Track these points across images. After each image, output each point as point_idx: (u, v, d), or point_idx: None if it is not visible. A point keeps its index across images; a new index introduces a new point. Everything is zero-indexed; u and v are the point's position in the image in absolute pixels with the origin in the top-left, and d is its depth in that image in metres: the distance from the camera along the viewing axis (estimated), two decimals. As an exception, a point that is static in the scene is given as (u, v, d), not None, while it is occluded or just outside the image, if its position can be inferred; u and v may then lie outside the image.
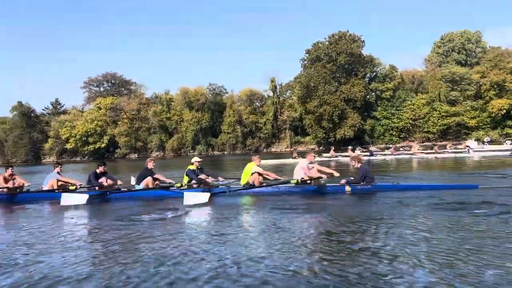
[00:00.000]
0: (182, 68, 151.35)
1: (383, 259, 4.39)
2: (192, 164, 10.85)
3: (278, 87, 70.66)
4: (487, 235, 5.16)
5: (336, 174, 10.38)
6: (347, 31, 63.70)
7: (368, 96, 64.37)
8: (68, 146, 75.04)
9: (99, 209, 9.49)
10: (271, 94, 75.27)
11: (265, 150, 69.33)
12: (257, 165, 10.68)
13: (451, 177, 13.46)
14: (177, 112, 75.04)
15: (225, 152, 72.14)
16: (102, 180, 10.97)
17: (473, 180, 10.86)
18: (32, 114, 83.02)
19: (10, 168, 11.70)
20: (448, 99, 64.23)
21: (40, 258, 5.13)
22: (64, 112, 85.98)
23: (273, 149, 70.17)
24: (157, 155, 75.37)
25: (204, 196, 9.04)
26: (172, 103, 77.44)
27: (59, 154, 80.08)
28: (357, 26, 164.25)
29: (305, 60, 66.55)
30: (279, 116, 69.75)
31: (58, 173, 11.57)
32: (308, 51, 65.40)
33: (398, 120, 64.34)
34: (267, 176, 10.58)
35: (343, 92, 61.46)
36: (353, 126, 61.29)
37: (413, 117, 63.95)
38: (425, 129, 64.27)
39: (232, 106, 71.42)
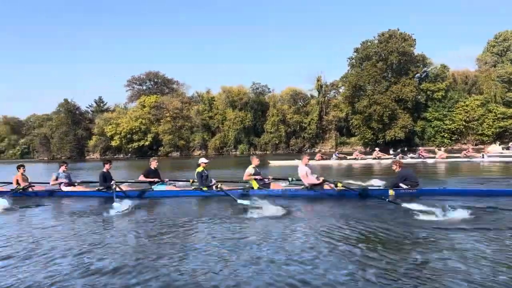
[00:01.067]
0: (222, 67, 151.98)
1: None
2: (199, 165, 10.74)
3: (323, 86, 69.06)
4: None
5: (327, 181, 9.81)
6: (398, 29, 61.87)
7: (418, 97, 62.22)
8: (113, 143, 76.27)
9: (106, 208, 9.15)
10: (314, 93, 74.37)
11: (308, 151, 68.21)
12: (254, 166, 10.47)
13: (492, 182, 12.28)
14: (219, 111, 75.02)
15: (267, 152, 71.48)
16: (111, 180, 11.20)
17: None
18: (77, 112, 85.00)
19: (22, 168, 12.23)
20: (504, 100, 61.33)
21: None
22: (107, 110, 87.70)
23: (317, 150, 68.92)
24: (199, 153, 75.61)
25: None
26: (213, 102, 77.58)
27: (103, 151, 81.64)
28: (395, 25, 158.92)
29: (352, 59, 65.07)
30: (324, 116, 68.42)
31: (63, 172, 11.99)
32: (356, 50, 63.92)
33: (450, 122, 61.84)
34: (255, 177, 10.36)
35: (394, 92, 59.64)
36: (404, 127, 59.35)
37: (467, 119, 61.30)
38: (479, 132, 61.53)
39: (276, 105, 70.71)
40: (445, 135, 62.27)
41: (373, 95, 59.29)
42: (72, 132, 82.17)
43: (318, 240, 5.66)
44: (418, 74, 64.42)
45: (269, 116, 70.97)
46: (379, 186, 10.11)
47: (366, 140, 63.28)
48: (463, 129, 61.83)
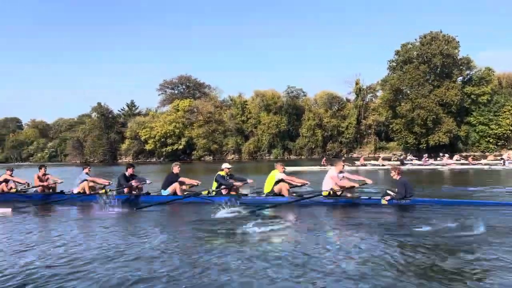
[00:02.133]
0: (254, 71, 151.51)
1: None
2: (222, 170, 10.64)
3: (362, 90, 67.75)
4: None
5: (369, 181, 9.42)
6: (440, 31, 60.35)
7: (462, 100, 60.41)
8: (147, 147, 76.29)
9: (128, 215, 9.25)
10: (349, 97, 73.26)
11: (345, 156, 66.90)
12: (281, 172, 10.11)
13: (489, 192, 11.94)
14: (253, 115, 74.38)
15: (302, 157, 70.43)
16: (131, 182, 10.98)
17: None
18: (110, 115, 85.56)
19: (43, 168, 12.11)
20: (554, 104, 59.07)
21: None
22: (139, 114, 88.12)
23: (354, 155, 67.56)
24: (232, 158, 75.10)
25: (235, 211, 8.49)
26: (246, 106, 77.06)
27: (136, 155, 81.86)
28: (428, 26, 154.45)
29: (392, 62, 63.69)
30: (362, 120, 67.05)
31: (86, 173, 11.62)
32: (397, 52, 62.52)
33: (497, 127, 59.75)
34: (292, 182, 10.19)
35: (437, 95, 58.01)
36: (448, 132, 57.58)
37: (515, 124, 59.18)
38: (528, 137, 59.31)
39: (312, 109, 69.71)
40: (491, 140, 60.23)
41: (416, 98, 57.76)
42: (105, 135, 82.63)
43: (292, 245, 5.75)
44: (461, 77, 62.70)
45: (305, 120, 69.99)
46: (376, 193, 9.90)
47: (407, 145, 61.63)
48: (510, 134, 59.67)
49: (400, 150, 63.92)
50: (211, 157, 77.52)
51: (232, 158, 75.02)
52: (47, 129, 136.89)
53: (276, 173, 10.05)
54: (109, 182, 11.74)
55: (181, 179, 10.86)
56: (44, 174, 12.04)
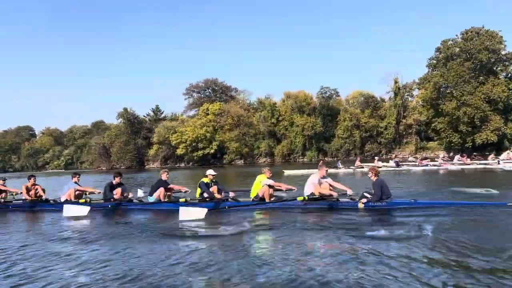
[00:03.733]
0: (282, 73, 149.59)
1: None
2: (206, 176, 10.64)
3: (401, 88, 66.07)
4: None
5: (350, 192, 9.40)
6: (483, 27, 58.81)
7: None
8: (178, 152, 74.60)
9: (108, 221, 9.56)
10: (384, 96, 71.72)
11: (384, 157, 65.21)
12: (268, 177, 10.24)
13: (478, 193, 11.78)
14: (286, 117, 72.80)
15: (338, 159, 68.71)
16: (117, 191, 11.03)
17: (502, 196, 9.91)
18: (136, 121, 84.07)
19: (33, 178, 12.28)
20: None
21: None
22: (164, 119, 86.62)
23: (393, 155, 65.84)
24: (264, 161, 73.47)
25: (201, 212, 8.59)
26: (275, 107, 75.51)
27: (164, 160, 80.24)
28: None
29: (433, 59, 62.10)
30: (401, 120, 65.34)
31: (76, 183, 11.69)
32: (438, 49, 60.95)
33: (544, 123, 58.00)
34: (279, 187, 10.36)
35: (483, 92, 56.33)
36: (497, 129, 55.82)
37: None
38: None
39: (348, 109, 68.11)
40: (538, 138, 58.40)
41: (461, 96, 56.10)
42: (132, 141, 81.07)
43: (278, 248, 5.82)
44: (505, 73, 61.03)
45: (340, 121, 68.37)
46: (352, 196, 9.66)
47: (452, 144, 59.89)
48: (558, 131, 57.87)
49: (442, 150, 62.26)
50: (242, 161, 75.91)
51: (264, 161, 73.39)
52: (61, 137, 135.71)
53: (263, 178, 10.21)
54: (98, 192, 11.86)
55: (170, 186, 11.16)
56: (34, 185, 12.16)
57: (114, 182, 11.21)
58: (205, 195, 10.22)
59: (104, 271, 5.08)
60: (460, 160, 26.92)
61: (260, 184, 10.12)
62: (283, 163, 68.05)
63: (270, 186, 10.01)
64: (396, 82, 65.38)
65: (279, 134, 73.45)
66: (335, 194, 9.40)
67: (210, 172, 10.72)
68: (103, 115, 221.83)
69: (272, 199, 9.99)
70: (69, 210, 10.02)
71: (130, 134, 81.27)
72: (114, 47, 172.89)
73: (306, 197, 9.26)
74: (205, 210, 8.68)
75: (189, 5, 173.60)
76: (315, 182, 9.54)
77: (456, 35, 60.31)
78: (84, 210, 9.93)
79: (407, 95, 69.58)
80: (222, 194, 10.60)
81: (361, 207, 8.85)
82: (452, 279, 4.17)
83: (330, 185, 9.64)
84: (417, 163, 27.53)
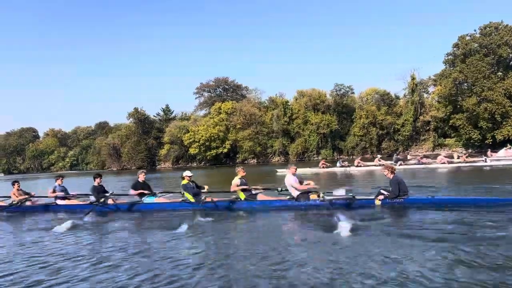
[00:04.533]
0: (292, 71, 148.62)
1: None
2: (183, 178, 10.86)
3: (418, 85, 65.24)
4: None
5: (312, 185, 9.65)
6: (502, 22, 58.20)
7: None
8: (191, 151, 73.67)
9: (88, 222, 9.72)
10: (399, 93, 71.03)
11: (401, 154, 64.47)
12: (239, 178, 10.50)
13: (491, 190, 11.69)
14: (299, 115, 71.99)
15: (353, 156, 68.01)
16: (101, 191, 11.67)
17: None
18: (147, 121, 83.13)
19: (17, 184, 12.62)
20: None
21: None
22: (174, 118, 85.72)
23: (411, 153, 65.10)
24: (278, 160, 72.70)
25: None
26: (288, 106, 74.68)
27: (175, 160, 79.36)
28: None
29: (450, 54, 61.44)
30: (419, 117, 64.61)
31: (59, 185, 12.40)
32: (456, 45, 60.26)
33: None
34: (243, 187, 10.47)
35: (504, 88, 55.69)
36: (517, 125, 55.22)
37: None
38: None
39: (363, 107, 67.35)
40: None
41: (482, 92, 55.46)
42: (143, 141, 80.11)
43: (287, 250, 5.78)
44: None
45: (356, 119, 67.60)
46: (369, 194, 9.78)
47: (471, 141, 59.25)
48: None
49: (460, 147, 61.63)
50: (255, 160, 75.13)
51: (278, 160, 72.63)
52: (65, 138, 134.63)
53: (235, 178, 10.50)
54: (78, 194, 12.91)
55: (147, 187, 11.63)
56: (18, 189, 12.60)
57: (95, 183, 11.71)
58: (188, 195, 10.68)
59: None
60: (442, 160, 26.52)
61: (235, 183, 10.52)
62: (298, 162, 67.32)
63: (238, 186, 10.43)
64: (413, 78, 64.58)
65: (293, 133, 72.62)
66: (305, 187, 9.66)
67: (187, 173, 11.00)
68: (106, 116, 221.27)
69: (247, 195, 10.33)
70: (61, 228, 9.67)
71: (141, 134, 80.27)
72: (115, 47, 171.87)
73: (323, 195, 9.30)
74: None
75: (195, 3, 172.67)
76: (293, 181, 9.69)
77: (475, 30, 59.73)
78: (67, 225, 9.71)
79: (422, 91, 68.87)
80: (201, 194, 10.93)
81: (378, 204, 8.80)
82: (471, 277, 4.13)
83: (300, 182, 9.88)
84: (416, 161, 27.57)
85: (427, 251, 5.15)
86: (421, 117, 64.45)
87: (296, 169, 10.07)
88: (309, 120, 70.09)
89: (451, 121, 60.57)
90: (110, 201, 11.45)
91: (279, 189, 10.80)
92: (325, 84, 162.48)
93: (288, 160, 71.76)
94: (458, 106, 58.62)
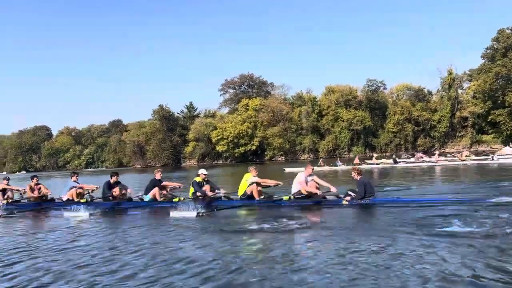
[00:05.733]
0: (320, 66, 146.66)
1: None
2: (198, 175, 10.99)
3: (455, 80, 63.73)
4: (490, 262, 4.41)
5: (333, 189, 9.77)
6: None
7: None
8: (219, 148, 72.48)
9: (112, 219, 9.86)
10: (430, 89, 69.57)
11: (437, 151, 63.08)
12: (254, 176, 10.46)
13: (466, 188, 12.07)
14: (329, 111, 70.62)
15: (386, 154, 66.68)
16: (115, 190, 11.51)
17: (488, 192, 10.08)
18: (171, 118, 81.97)
19: (36, 178, 12.78)
20: None
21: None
22: (198, 115, 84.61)
23: (446, 149, 63.69)
24: (307, 157, 71.41)
25: (191, 214, 8.88)
26: (316, 102, 73.37)
27: (201, 158, 78.20)
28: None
29: (488, 49, 59.98)
30: (456, 113, 63.11)
31: (74, 181, 12.22)
32: (496, 39, 58.78)
33: None
34: (265, 184, 10.65)
35: (548, 82, 54.33)
36: None
37: None
38: None
39: (398, 102, 65.94)
40: None
41: (525, 86, 54.09)
42: (168, 138, 78.96)
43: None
44: None
45: (390, 115, 66.18)
46: (336, 194, 9.99)
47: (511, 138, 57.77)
48: None
49: (499, 143, 60.16)
50: (283, 157, 73.81)
51: (307, 157, 71.34)
52: (80, 136, 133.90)
53: (249, 177, 10.36)
54: (97, 187, 12.45)
55: (163, 183, 11.51)
56: (37, 184, 12.58)
57: (111, 181, 11.64)
58: (198, 194, 10.56)
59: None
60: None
61: (247, 183, 10.33)
62: (328, 159, 65.93)
63: (257, 184, 10.26)
64: (450, 73, 63.09)
65: (323, 130, 71.25)
66: (319, 192, 9.68)
67: (202, 171, 11.10)
68: (119, 114, 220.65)
69: (261, 196, 10.24)
70: (70, 214, 10.16)
71: (166, 131, 79.11)
72: (125, 47, 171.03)
73: (292, 196, 9.68)
74: (194, 213, 8.82)
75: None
76: (302, 180, 9.85)
77: (515, 24, 58.27)
78: (84, 214, 10.02)
79: (456, 87, 67.40)
80: (215, 192, 10.89)
81: (345, 203, 9.15)
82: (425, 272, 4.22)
83: (316, 182, 9.92)
84: (413, 160, 27.82)
85: (383, 243, 5.47)
86: (458, 113, 62.95)
87: (313, 169, 10.45)
88: (340, 117, 68.76)
89: (490, 117, 59.13)
90: (135, 199, 11.74)
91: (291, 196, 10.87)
92: (346, 79, 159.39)
93: (317, 158, 70.44)
94: (499, 102, 57.20)
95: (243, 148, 71.87)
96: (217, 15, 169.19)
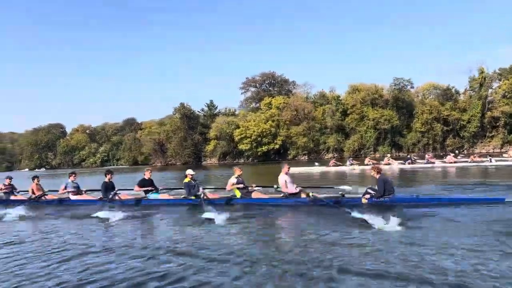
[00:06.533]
0: (343, 65, 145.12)
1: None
2: (186, 176, 11.50)
3: (486, 79, 62.31)
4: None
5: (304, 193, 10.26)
6: None
7: None
8: (243, 147, 71.63)
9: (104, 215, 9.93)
10: (457, 88, 68.17)
11: (466, 152, 61.79)
12: (235, 176, 11.16)
13: (477, 189, 12.23)
14: (354, 110, 69.52)
15: (413, 154, 65.40)
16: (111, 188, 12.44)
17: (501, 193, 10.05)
18: (192, 116, 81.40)
19: (37, 178, 13.71)
20: None
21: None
22: (218, 114, 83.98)
23: (476, 150, 62.36)
24: (331, 157, 70.31)
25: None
26: (340, 100, 72.27)
27: (222, 156, 77.52)
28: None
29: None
30: (486, 112, 61.71)
31: (72, 181, 12.97)
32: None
33: None
34: (238, 186, 11.03)
35: None
36: None
37: None
38: None
39: (425, 102, 64.70)
40: None
41: None
42: (190, 137, 78.37)
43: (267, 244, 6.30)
44: None
45: (418, 114, 64.92)
46: (357, 193, 10.11)
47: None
48: None
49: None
50: (306, 156, 72.86)
51: (330, 157, 70.21)
52: (94, 134, 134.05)
53: (232, 178, 11.14)
54: (86, 191, 13.33)
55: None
56: (37, 184, 13.61)
57: (106, 179, 12.43)
58: (189, 193, 11.23)
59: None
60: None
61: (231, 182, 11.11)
62: (353, 159, 64.82)
63: (233, 185, 11.01)
64: (482, 71, 61.67)
65: (348, 129, 70.18)
66: (298, 189, 10.33)
67: (189, 171, 11.61)
68: (133, 113, 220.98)
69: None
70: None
71: (187, 129, 78.51)
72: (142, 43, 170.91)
73: (311, 194, 10.02)
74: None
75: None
76: (283, 181, 10.30)
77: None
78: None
79: (487, 86, 65.98)
80: (200, 191, 11.32)
81: (364, 202, 9.21)
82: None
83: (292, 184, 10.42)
84: (425, 161, 27.71)
85: (405, 242, 5.69)
86: (489, 113, 61.55)
87: (289, 168, 10.75)
88: (366, 115, 67.63)
89: (524, 117, 57.78)
90: (117, 197, 12.09)
91: (275, 186, 11.28)
92: (368, 78, 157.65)
93: (342, 157, 69.45)
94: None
95: (266, 147, 71.02)
96: (235, 12, 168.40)
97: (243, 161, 76.17)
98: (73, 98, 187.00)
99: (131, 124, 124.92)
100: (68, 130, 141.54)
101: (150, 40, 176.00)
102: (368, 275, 4.41)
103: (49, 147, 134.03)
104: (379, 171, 9.47)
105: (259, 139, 70.22)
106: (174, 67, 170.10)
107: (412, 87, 68.79)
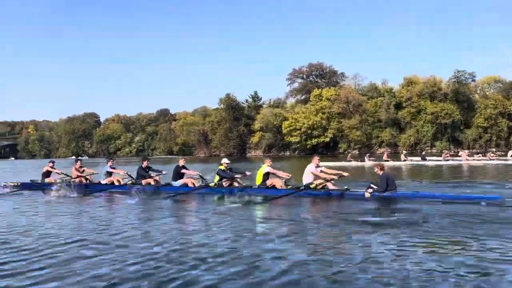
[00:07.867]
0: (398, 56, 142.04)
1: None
2: (221, 164, 11.69)
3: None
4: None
5: (345, 173, 10.50)
6: None
7: None
8: (292, 139, 69.88)
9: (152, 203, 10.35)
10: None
11: (466, 151, 58.06)
12: (268, 165, 11.17)
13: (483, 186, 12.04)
14: (410, 103, 66.60)
15: (473, 150, 62.23)
16: (147, 174, 12.57)
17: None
18: (237, 107, 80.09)
19: (80, 161, 13.92)
20: None
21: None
22: (262, 105, 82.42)
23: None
24: (383, 151, 67.82)
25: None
26: (392, 93, 69.41)
27: (267, 148, 75.99)
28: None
29: None
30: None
31: (110, 166, 13.11)
32: None
33: None
34: (275, 173, 11.15)
35: None
36: None
37: None
38: None
39: (489, 96, 61.29)
40: None
41: None
42: (235, 128, 77.17)
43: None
44: None
45: (480, 108, 61.58)
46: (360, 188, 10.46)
47: None
48: None
49: None
50: (356, 150, 70.42)
51: (383, 152, 67.63)
52: (129, 124, 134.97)
53: (264, 167, 11.11)
54: (126, 172, 12.97)
55: (185, 171, 12.24)
56: (81, 167, 13.48)
57: (143, 165, 12.53)
58: (224, 180, 11.24)
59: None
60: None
61: (262, 172, 10.95)
62: (407, 154, 62.21)
63: (270, 173, 11.01)
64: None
65: (403, 123, 67.33)
66: (334, 177, 10.37)
67: (225, 160, 11.78)
68: (166, 103, 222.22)
69: (289, 187, 10.72)
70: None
71: (232, 120, 77.30)
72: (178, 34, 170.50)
73: (317, 184, 10.24)
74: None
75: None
76: (313, 169, 10.56)
77: None
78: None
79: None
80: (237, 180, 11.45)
81: (367, 196, 9.52)
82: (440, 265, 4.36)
83: (325, 173, 10.53)
84: (442, 158, 28.08)
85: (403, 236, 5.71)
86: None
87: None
88: (423, 109, 64.64)
89: None
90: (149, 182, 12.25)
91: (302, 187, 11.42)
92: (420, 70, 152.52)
93: (396, 152, 66.83)
94: None
95: (316, 139, 69.00)
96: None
97: (289, 153, 74.45)
98: (106, 88, 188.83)
99: (165, 115, 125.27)
100: (102, 119, 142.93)
101: (188, 31, 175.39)
102: (363, 270, 4.31)
103: (85, 136, 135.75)
104: (382, 168, 10.07)
105: (309, 131, 68.24)
106: (212, 58, 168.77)
107: (473, 80, 65.28)
